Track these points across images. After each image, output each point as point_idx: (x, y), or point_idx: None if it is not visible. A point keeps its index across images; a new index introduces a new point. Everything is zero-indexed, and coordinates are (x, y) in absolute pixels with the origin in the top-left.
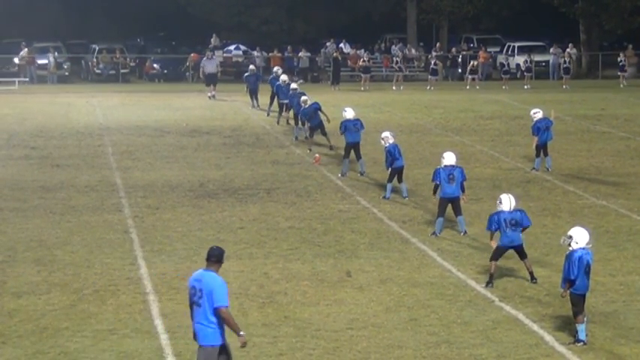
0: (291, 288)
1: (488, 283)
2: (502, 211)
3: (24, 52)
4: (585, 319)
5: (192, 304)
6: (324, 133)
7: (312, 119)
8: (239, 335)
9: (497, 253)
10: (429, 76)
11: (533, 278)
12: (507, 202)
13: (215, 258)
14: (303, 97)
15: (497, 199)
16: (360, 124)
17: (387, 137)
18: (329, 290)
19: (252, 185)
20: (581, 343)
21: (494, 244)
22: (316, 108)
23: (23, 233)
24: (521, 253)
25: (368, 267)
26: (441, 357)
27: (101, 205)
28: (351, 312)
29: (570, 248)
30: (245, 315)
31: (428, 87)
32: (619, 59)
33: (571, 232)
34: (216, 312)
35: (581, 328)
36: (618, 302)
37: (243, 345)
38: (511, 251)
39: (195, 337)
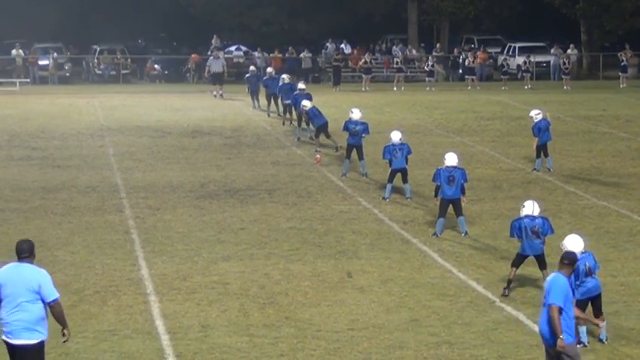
0: (292, 289)
1: (505, 289)
2: (523, 218)
3: (15, 51)
4: (604, 322)
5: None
6: (328, 135)
7: (316, 119)
8: (558, 337)
9: (518, 260)
10: (426, 78)
11: None
12: (530, 208)
13: (567, 260)
14: (304, 101)
15: (521, 204)
16: (363, 129)
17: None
18: (330, 291)
19: (253, 186)
20: (582, 345)
21: None
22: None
23: (24, 234)
24: (541, 262)
25: (369, 268)
26: (442, 357)
27: (102, 205)
28: (352, 313)
29: None
30: (246, 316)
31: (427, 88)
32: (620, 59)
33: (564, 242)
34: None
35: (583, 330)
36: (619, 303)
37: (562, 348)
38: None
39: (542, 338)
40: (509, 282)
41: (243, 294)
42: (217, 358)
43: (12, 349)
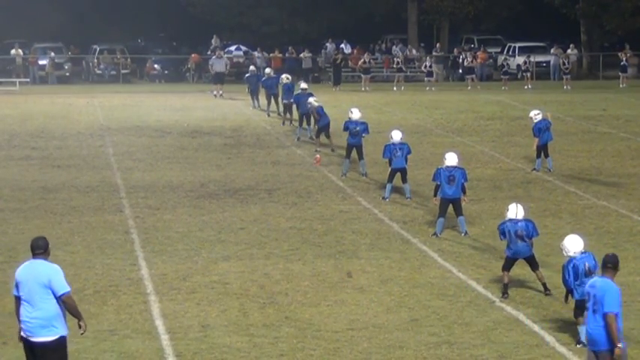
0: (292, 288)
1: (504, 294)
2: (507, 221)
3: (14, 51)
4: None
5: (587, 309)
6: (328, 135)
7: (320, 119)
8: (616, 347)
9: (507, 264)
10: (425, 78)
11: (546, 290)
12: (513, 211)
13: (611, 264)
14: (310, 99)
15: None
16: (363, 129)
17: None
18: (330, 291)
19: (253, 186)
20: (582, 344)
21: None
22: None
23: (24, 234)
24: (531, 264)
25: (369, 267)
26: (442, 357)
27: (102, 205)
28: (351, 312)
29: (566, 256)
30: (246, 315)
31: (427, 88)
32: (620, 59)
33: (563, 242)
34: (604, 317)
35: (582, 330)
36: None
37: (618, 357)
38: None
39: (590, 342)
40: (505, 286)
41: (243, 294)
42: (217, 357)
43: (32, 346)
